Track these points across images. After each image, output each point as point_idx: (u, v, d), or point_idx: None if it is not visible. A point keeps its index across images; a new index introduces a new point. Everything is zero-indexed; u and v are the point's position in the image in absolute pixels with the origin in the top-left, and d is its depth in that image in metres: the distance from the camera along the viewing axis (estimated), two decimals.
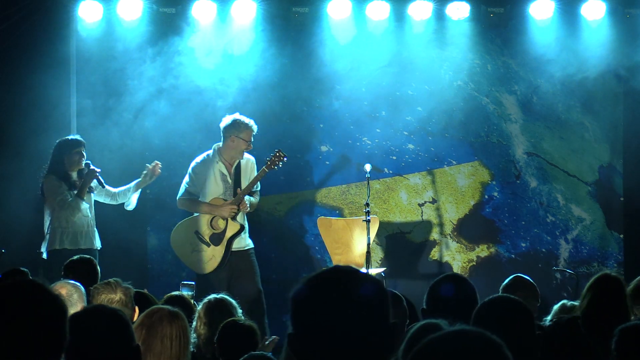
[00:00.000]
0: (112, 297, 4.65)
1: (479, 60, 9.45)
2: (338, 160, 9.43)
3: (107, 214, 8.43)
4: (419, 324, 2.97)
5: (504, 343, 1.84)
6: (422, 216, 9.44)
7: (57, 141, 8.10)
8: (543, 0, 9.12)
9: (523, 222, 9.44)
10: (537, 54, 9.32)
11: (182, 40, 9.04)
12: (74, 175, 8.08)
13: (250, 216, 8.69)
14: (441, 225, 9.43)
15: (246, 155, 8.15)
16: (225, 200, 8.08)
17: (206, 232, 8.10)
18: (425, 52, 9.38)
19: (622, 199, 9.41)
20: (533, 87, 9.44)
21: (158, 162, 8.26)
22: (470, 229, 9.43)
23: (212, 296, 5.15)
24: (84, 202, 8.00)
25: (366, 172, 8.33)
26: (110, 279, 4.80)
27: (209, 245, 8.09)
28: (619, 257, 9.39)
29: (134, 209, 8.39)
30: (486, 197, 9.48)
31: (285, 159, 8.06)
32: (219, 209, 8.04)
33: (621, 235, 9.41)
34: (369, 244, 8.04)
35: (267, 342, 5.25)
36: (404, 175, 9.46)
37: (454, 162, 9.47)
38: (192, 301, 5.67)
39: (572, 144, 9.46)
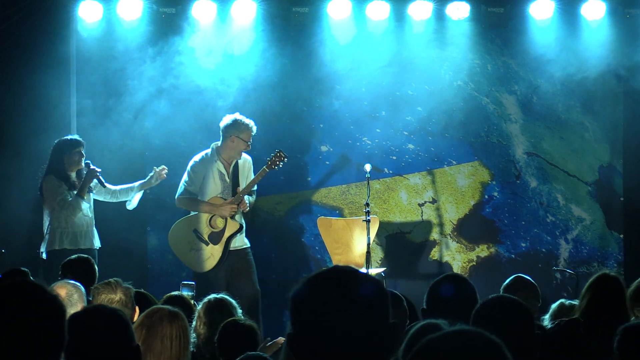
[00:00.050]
0: (112, 297, 4.64)
1: (479, 60, 9.45)
2: (338, 160, 9.43)
3: (107, 214, 8.43)
4: (419, 324, 2.97)
5: (504, 343, 1.84)
6: (422, 216, 9.44)
7: (56, 141, 8.10)
8: (543, 0, 9.11)
9: (523, 222, 9.44)
10: (537, 54, 9.32)
11: (182, 40, 9.04)
12: (73, 175, 8.08)
13: (250, 216, 8.70)
14: (441, 225, 9.43)
15: (244, 155, 8.17)
16: (224, 199, 8.09)
17: (205, 230, 8.11)
18: (425, 52, 9.38)
19: (622, 199, 9.41)
20: (533, 87, 9.44)
21: (165, 167, 8.28)
22: (470, 229, 9.43)
23: (212, 296, 5.15)
24: (84, 202, 8.00)
25: (366, 172, 8.34)
26: (110, 279, 4.79)
27: (207, 244, 8.10)
28: (619, 257, 9.39)
29: (133, 208, 8.40)
30: (486, 197, 9.48)
31: (285, 159, 8.09)
32: (219, 208, 8.05)
33: (621, 235, 9.41)
34: (369, 244, 8.04)
35: (267, 344, 5.25)
36: (404, 175, 9.46)
37: (454, 162, 9.47)
38: (192, 301, 5.66)
39: (572, 144, 9.46)
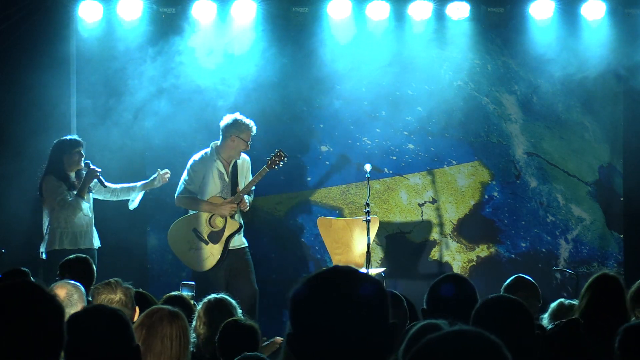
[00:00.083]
0: (112, 298, 4.64)
1: (479, 60, 9.45)
2: (338, 160, 9.43)
3: (107, 214, 8.43)
4: (419, 324, 2.97)
5: (503, 343, 1.85)
6: (422, 216, 9.44)
7: (55, 141, 8.09)
8: (543, 0, 9.11)
9: (523, 222, 9.44)
10: (537, 53, 9.32)
11: (182, 40, 9.04)
12: (73, 175, 8.08)
13: (249, 216, 8.70)
14: (441, 225, 9.43)
15: (243, 155, 8.19)
16: (224, 198, 8.10)
17: (205, 230, 8.12)
18: (425, 52, 9.38)
19: (622, 199, 9.41)
20: (533, 87, 9.45)
21: (168, 171, 8.28)
22: (470, 229, 9.43)
23: (212, 296, 5.15)
24: (84, 202, 8.00)
25: (366, 172, 8.34)
26: (110, 279, 4.79)
27: (207, 243, 8.11)
28: (619, 257, 9.39)
29: (134, 208, 8.40)
30: (486, 197, 9.48)
31: (285, 158, 8.10)
32: (219, 208, 8.06)
33: (621, 235, 9.41)
34: (369, 244, 8.05)
35: (264, 344, 5.24)
36: (404, 175, 9.46)
37: (454, 162, 9.47)
38: (192, 301, 5.66)
39: (572, 144, 9.46)
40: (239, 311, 5.15)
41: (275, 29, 9.22)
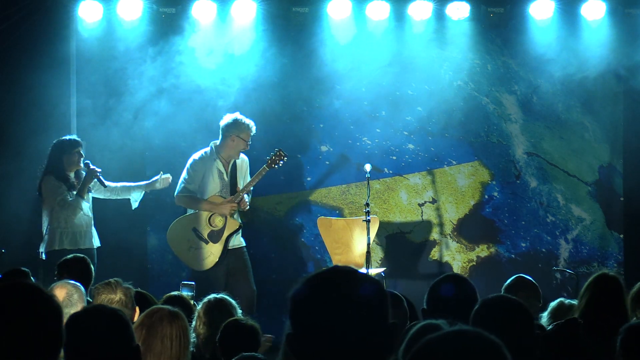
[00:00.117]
0: (112, 298, 4.64)
1: (479, 60, 9.45)
2: (338, 160, 9.43)
3: (107, 214, 8.43)
4: (419, 324, 2.97)
5: (503, 343, 1.85)
6: (422, 216, 9.44)
7: (55, 141, 8.09)
8: (543, 0, 9.12)
9: (523, 222, 9.44)
10: (537, 53, 9.32)
11: (182, 40, 9.04)
12: (72, 175, 8.07)
13: (249, 216, 8.70)
14: (441, 225, 9.43)
15: (241, 155, 8.20)
16: (223, 198, 8.11)
17: (205, 229, 8.13)
18: (425, 52, 9.38)
19: (622, 199, 9.41)
20: (533, 87, 9.45)
21: (170, 177, 8.28)
22: (470, 229, 9.43)
23: (212, 296, 5.15)
24: (84, 202, 8.00)
25: (366, 172, 8.34)
26: (110, 279, 4.79)
27: (207, 243, 8.12)
28: (619, 257, 9.39)
29: (135, 208, 8.41)
30: (486, 197, 9.48)
31: (285, 158, 8.12)
32: (219, 207, 8.07)
33: (621, 235, 9.41)
34: (369, 244, 8.05)
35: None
36: (404, 175, 9.46)
37: (454, 162, 9.47)
38: (192, 301, 5.66)
39: (572, 144, 9.46)
40: (239, 311, 5.15)
41: (275, 29, 9.22)
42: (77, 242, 7.90)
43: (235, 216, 8.17)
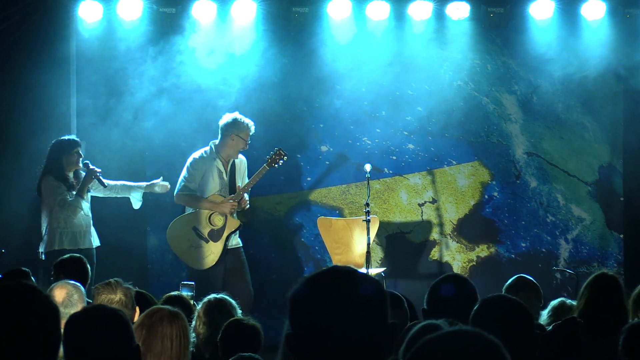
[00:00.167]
0: (112, 298, 4.64)
1: (479, 60, 9.45)
2: (338, 160, 9.43)
3: (107, 214, 8.43)
4: (419, 324, 2.97)
5: (502, 343, 1.85)
6: (422, 216, 9.44)
7: (54, 141, 8.08)
8: (543, 0, 9.12)
9: (523, 222, 9.44)
10: (537, 53, 9.32)
11: (183, 40, 9.04)
12: (71, 175, 8.07)
13: (249, 216, 8.70)
14: (441, 225, 9.43)
15: (240, 155, 8.21)
16: (223, 197, 8.12)
17: (205, 228, 8.14)
18: (426, 52, 9.39)
19: (622, 199, 9.41)
20: (533, 87, 9.45)
21: (168, 185, 8.28)
22: (470, 229, 9.43)
23: (212, 296, 5.15)
24: (84, 202, 7.99)
25: (366, 172, 8.34)
26: (110, 279, 4.79)
27: (207, 242, 8.12)
28: (619, 257, 9.39)
29: (135, 208, 8.42)
30: (486, 197, 9.48)
31: (285, 157, 8.13)
32: (219, 206, 8.08)
33: (621, 235, 9.41)
34: (369, 244, 8.05)
35: None
36: (404, 175, 9.46)
37: (454, 162, 9.47)
38: (191, 301, 5.66)
39: (572, 144, 9.46)
40: (239, 311, 5.15)
41: (276, 29, 9.22)
42: (76, 242, 7.89)
43: (234, 215, 8.19)
